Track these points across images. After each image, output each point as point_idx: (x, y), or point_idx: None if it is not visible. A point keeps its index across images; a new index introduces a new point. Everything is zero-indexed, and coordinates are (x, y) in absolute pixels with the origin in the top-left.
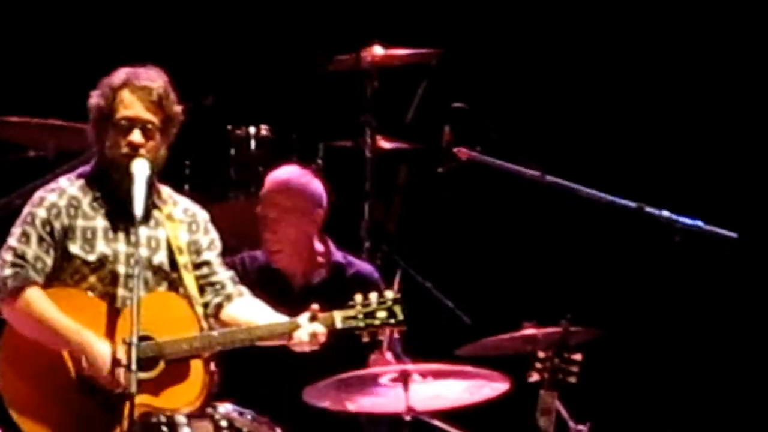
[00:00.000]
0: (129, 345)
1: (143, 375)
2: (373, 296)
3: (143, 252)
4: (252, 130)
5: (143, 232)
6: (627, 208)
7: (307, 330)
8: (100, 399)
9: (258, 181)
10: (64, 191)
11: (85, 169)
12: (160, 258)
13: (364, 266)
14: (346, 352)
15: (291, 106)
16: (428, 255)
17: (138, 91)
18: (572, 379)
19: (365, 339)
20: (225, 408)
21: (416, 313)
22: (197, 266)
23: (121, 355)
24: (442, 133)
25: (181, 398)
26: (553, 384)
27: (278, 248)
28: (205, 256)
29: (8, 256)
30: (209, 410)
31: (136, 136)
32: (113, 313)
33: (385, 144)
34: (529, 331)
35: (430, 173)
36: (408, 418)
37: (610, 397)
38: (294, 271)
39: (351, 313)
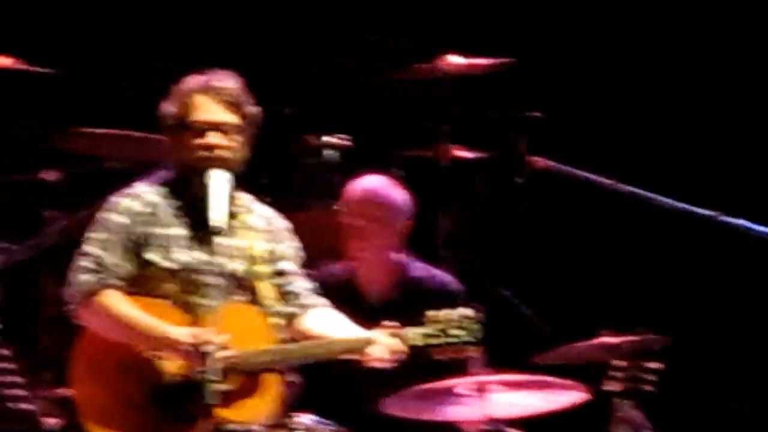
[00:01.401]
0: (205, 355)
1: (218, 387)
2: (451, 314)
3: (221, 261)
4: (330, 139)
5: (222, 240)
6: (703, 217)
7: (384, 346)
8: (175, 410)
9: (335, 191)
10: (140, 196)
11: (163, 175)
12: (238, 267)
13: (446, 277)
14: (425, 364)
15: (368, 115)
16: (505, 264)
17: (211, 93)
18: (649, 388)
19: (439, 357)
20: (304, 419)
21: (494, 321)
22: (275, 275)
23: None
24: (518, 143)
25: (256, 411)
26: (631, 393)
27: (362, 256)
28: (282, 265)
29: (84, 262)
30: (287, 421)
31: (212, 138)
32: (189, 322)
33: (461, 153)
34: (606, 340)
35: (506, 182)
36: (486, 426)
37: (688, 405)
38: (372, 284)
39: (428, 330)
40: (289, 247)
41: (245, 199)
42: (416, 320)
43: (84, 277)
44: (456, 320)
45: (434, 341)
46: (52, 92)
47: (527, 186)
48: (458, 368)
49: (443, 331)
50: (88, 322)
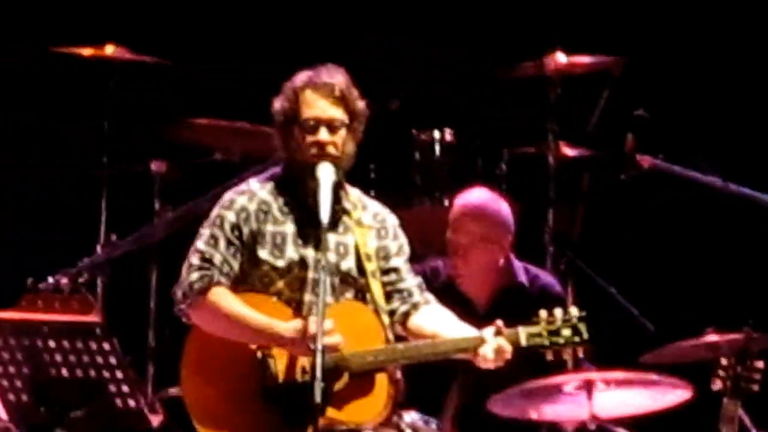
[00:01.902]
0: (314, 352)
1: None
2: (559, 313)
3: (331, 258)
4: (437, 134)
5: (332, 237)
6: None
7: (492, 346)
8: (284, 409)
9: (442, 187)
10: (255, 195)
11: (275, 172)
12: (349, 264)
13: (548, 279)
14: (529, 362)
15: (475, 111)
16: (612, 262)
17: (320, 90)
18: (755, 387)
19: (549, 357)
20: (410, 417)
21: (600, 320)
22: (385, 272)
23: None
24: (625, 141)
25: (365, 412)
26: (736, 392)
27: (467, 274)
28: (393, 262)
29: (195, 260)
30: (395, 419)
31: (322, 134)
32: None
33: (568, 151)
34: (712, 338)
35: (612, 180)
36: (592, 426)
37: None
38: (478, 295)
39: (535, 330)
40: (399, 244)
41: (356, 195)
42: (520, 323)
43: (194, 275)
44: (564, 320)
45: (542, 341)
46: (162, 82)
47: (633, 184)
48: (561, 367)
49: (551, 331)
50: (198, 320)
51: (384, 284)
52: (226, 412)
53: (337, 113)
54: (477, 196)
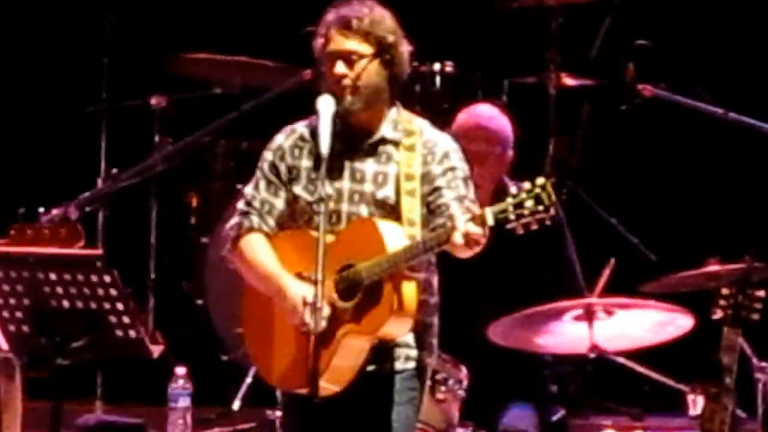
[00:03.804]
0: (315, 283)
1: (346, 304)
2: (524, 186)
3: (367, 188)
4: (437, 66)
5: (371, 167)
6: None
7: (461, 230)
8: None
9: (443, 118)
10: (294, 131)
11: None
12: (386, 193)
13: None
14: (534, 289)
15: (475, 43)
16: (612, 191)
17: (340, 24)
18: (755, 316)
19: (519, 231)
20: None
21: (601, 249)
22: (430, 194)
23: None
24: (625, 70)
25: (379, 319)
26: (737, 321)
27: (480, 183)
28: (436, 183)
29: (240, 204)
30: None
31: (338, 67)
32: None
33: (568, 81)
34: (713, 268)
35: (613, 110)
36: (592, 356)
37: None
38: None
39: (501, 206)
40: (447, 167)
41: (419, 125)
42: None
43: (234, 221)
44: (529, 191)
45: (507, 215)
46: (160, 17)
47: (634, 113)
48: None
49: (516, 204)
50: (236, 265)
51: (428, 205)
52: (271, 344)
53: (354, 45)
54: (485, 108)
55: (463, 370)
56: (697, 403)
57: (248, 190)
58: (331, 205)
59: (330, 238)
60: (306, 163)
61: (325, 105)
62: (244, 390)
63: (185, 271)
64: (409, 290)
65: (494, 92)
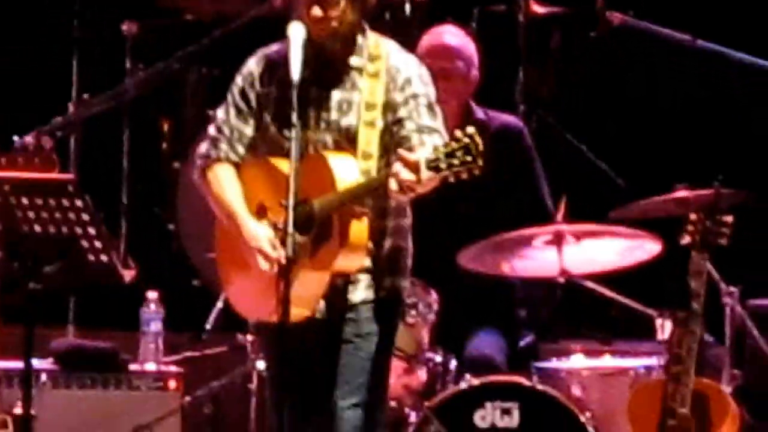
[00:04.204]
0: (285, 208)
1: (302, 239)
2: (456, 134)
3: (333, 116)
4: None
5: (336, 94)
6: None
7: (395, 177)
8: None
9: (413, 45)
10: (265, 57)
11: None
12: (350, 121)
13: (509, 118)
14: (503, 214)
15: None
16: (582, 119)
17: None
18: (723, 241)
19: (451, 180)
20: None
21: (571, 176)
22: (394, 124)
23: (269, 233)
24: None
25: (328, 256)
26: (705, 246)
27: (445, 101)
28: (399, 113)
29: (211, 129)
30: None
31: (315, 11)
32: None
33: (538, 9)
34: (681, 194)
35: (583, 37)
36: (561, 280)
37: (760, 259)
38: None
39: (433, 156)
40: (409, 95)
41: (386, 48)
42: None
43: (204, 148)
44: (458, 140)
45: (438, 164)
46: None
47: (603, 41)
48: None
49: (447, 153)
50: (203, 194)
51: (393, 135)
52: (240, 274)
53: None
54: (449, 28)
55: (433, 295)
56: (665, 328)
57: (219, 114)
58: (296, 135)
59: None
60: (275, 90)
61: (296, 32)
62: (215, 314)
63: (158, 197)
64: (359, 225)
65: (464, 20)
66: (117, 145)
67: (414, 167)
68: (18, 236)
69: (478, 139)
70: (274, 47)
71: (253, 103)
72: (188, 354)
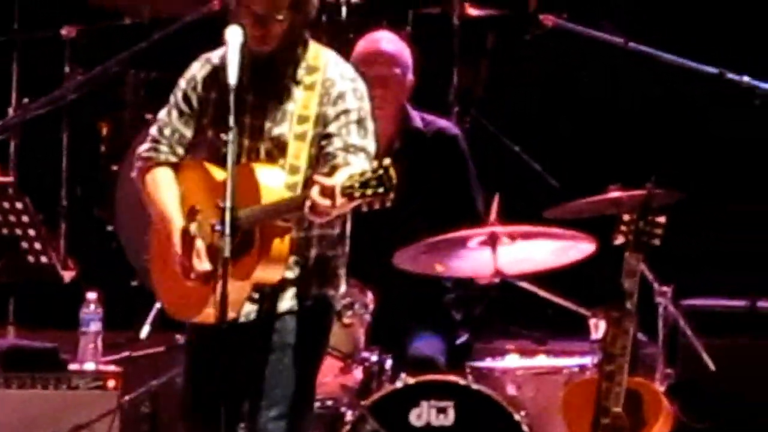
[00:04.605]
0: (222, 210)
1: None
2: (373, 164)
3: (266, 124)
4: None
5: (272, 103)
6: (708, 74)
7: (311, 201)
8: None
9: (349, 48)
10: (208, 62)
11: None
12: (281, 130)
13: (444, 123)
14: (436, 217)
15: None
16: (516, 120)
17: None
18: (656, 242)
19: (364, 209)
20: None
21: (505, 176)
22: (322, 138)
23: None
24: (528, 0)
25: (247, 267)
26: (638, 246)
27: (381, 107)
28: (329, 128)
29: (153, 130)
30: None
31: (255, 29)
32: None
33: (472, 11)
34: (615, 194)
35: (516, 40)
36: (496, 280)
37: (693, 259)
38: (381, 141)
39: (348, 183)
40: (341, 110)
41: (324, 59)
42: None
43: (145, 147)
44: (374, 170)
45: (353, 192)
46: None
47: (537, 43)
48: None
49: (362, 183)
50: (141, 195)
51: (320, 149)
52: (169, 272)
53: (273, 10)
54: (382, 33)
55: (369, 295)
56: (598, 327)
57: (162, 116)
58: (232, 138)
59: (221, 176)
60: (214, 95)
61: (234, 36)
62: (154, 315)
63: (97, 198)
64: (280, 239)
65: (399, 22)
66: (56, 148)
67: (330, 193)
68: None
69: (392, 173)
70: (218, 52)
71: (195, 106)
72: (127, 354)
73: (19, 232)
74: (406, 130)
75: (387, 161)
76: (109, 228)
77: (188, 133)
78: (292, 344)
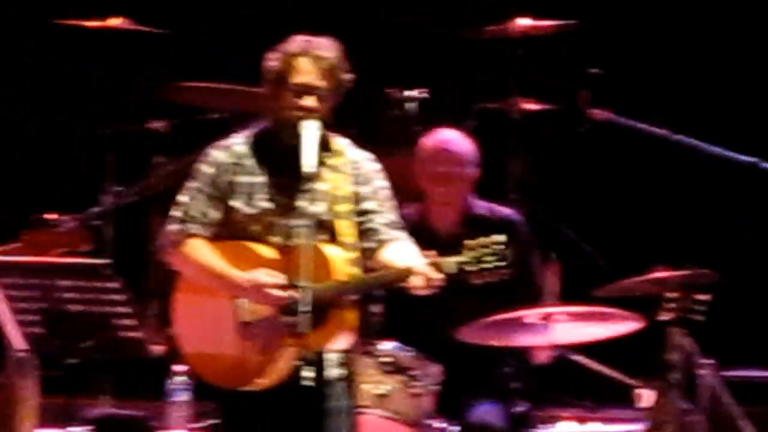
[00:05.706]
0: (299, 288)
1: (289, 319)
2: (484, 241)
3: (303, 204)
4: (409, 93)
5: (306, 185)
6: (747, 163)
7: (421, 275)
8: (259, 343)
9: (414, 140)
10: (229, 148)
11: (257, 126)
12: (318, 209)
13: (507, 210)
14: (496, 298)
15: (445, 71)
16: (569, 206)
17: (312, 58)
18: (699, 318)
19: (476, 281)
20: (387, 346)
21: (560, 259)
22: (359, 214)
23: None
24: (580, 96)
25: (329, 339)
26: (682, 322)
27: (442, 202)
28: (365, 205)
29: (176, 212)
30: (371, 348)
31: (309, 101)
32: (269, 262)
33: (529, 106)
34: (659, 274)
35: (569, 133)
36: (553, 353)
37: (735, 334)
38: (441, 222)
39: (462, 258)
40: (375, 188)
41: (341, 144)
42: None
43: (172, 227)
44: (488, 247)
45: (468, 267)
46: (159, 49)
47: (588, 135)
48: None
49: (477, 258)
50: (177, 267)
51: (359, 225)
52: (209, 346)
53: (324, 83)
54: (448, 132)
55: (436, 368)
56: (642, 397)
57: (184, 199)
58: (268, 218)
59: (272, 254)
60: (244, 178)
61: (311, 129)
62: None
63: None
64: (350, 310)
65: (462, 116)
66: (146, 231)
67: (440, 266)
68: (58, 315)
69: (506, 252)
70: (236, 139)
71: (222, 189)
72: (212, 421)
73: (112, 309)
74: (469, 216)
75: (502, 237)
76: None
77: (216, 215)
78: (345, 408)
